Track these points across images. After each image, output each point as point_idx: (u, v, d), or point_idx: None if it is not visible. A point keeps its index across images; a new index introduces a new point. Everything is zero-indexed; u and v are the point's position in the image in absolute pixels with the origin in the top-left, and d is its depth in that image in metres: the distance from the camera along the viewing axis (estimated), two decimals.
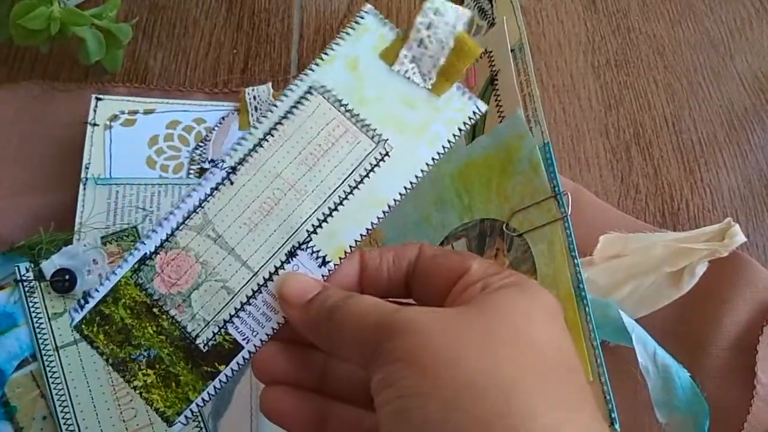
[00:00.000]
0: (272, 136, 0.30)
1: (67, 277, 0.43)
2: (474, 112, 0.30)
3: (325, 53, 0.30)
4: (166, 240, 0.30)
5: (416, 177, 0.30)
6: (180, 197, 0.47)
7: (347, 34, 0.31)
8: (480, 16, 0.43)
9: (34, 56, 0.50)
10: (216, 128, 0.51)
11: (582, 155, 0.55)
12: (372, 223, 0.30)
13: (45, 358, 0.41)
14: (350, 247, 0.30)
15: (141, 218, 0.46)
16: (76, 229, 0.45)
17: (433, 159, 0.30)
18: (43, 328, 0.42)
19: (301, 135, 0.30)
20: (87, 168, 0.48)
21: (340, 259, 0.29)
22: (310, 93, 0.31)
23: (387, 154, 0.30)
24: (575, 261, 0.33)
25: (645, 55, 0.60)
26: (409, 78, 0.31)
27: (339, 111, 0.31)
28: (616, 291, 0.44)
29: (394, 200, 0.30)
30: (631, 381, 0.41)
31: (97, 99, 0.50)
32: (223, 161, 0.30)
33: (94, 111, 0.50)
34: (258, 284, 0.29)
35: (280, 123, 0.30)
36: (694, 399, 0.39)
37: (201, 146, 0.50)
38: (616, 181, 0.54)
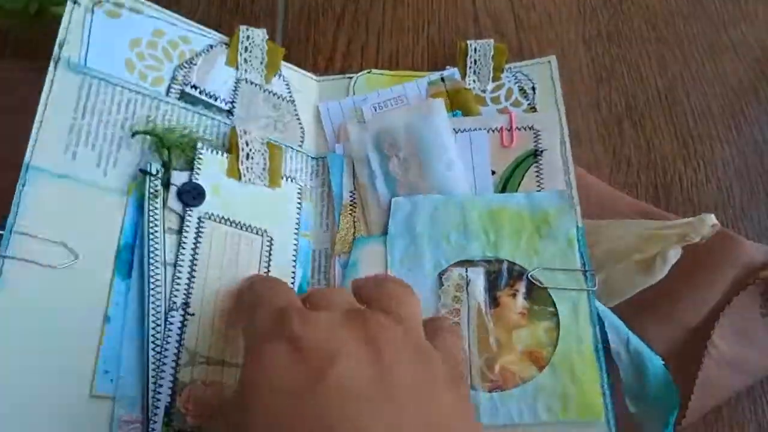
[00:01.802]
0: (195, 269, 0.40)
1: (197, 193, 0.42)
2: (300, 188, 0.47)
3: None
4: (173, 386, 0.37)
5: (294, 249, 0.45)
6: (156, 112, 0.44)
7: (199, 168, 0.43)
8: (520, 94, 0.50)
9: (15, 37, 0.48)
10: (202, 54, 0.48)
11: (573, 129, 0.53)
12: None
13: (152, 271, 0.40)
14: None
15: (113, 122, 0.43)
16: (37, 119, 0.40)
17: (296, 230, 0.46)
18: (156, 240, 0.40)
19: (215, 256, 0.41)
20: (61, 47, 0.43)
21: None
22: (202, 222, 0.41)
23: (272, 240, 0.44)
24: (596, 329, 0.42)
25: (637, 27, 0.60)
26: (254, 183, 0.45)
27: (228, 225, 0.42)
28: None
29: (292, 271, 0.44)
30: None
31: None
32: (174, 301, 0.39)
33: None
34: None
35: (195, 256, 0.40)
36: (666, 388, 0.40)
37: (186, 67, 0.47)
38: (607, 154, 0.53)
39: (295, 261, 0.45)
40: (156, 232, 0.40)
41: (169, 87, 0.46)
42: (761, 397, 0.45)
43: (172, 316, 0.38)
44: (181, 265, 0.39)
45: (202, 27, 0.49)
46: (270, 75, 0.49)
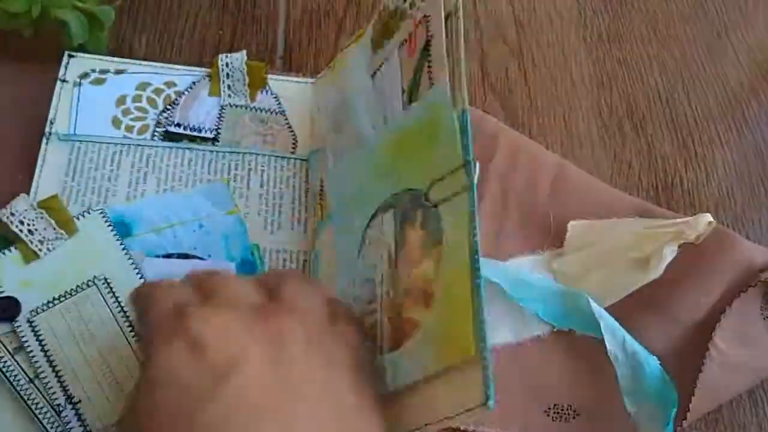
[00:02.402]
0: (56, 364, 0.40)
1: (11, 305, 0.41)
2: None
3: None
4: None
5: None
6: (140, 157, 0.47)
7: None
8: None
9: (17, 40, 0.50)
10: (186, 92, 0.51)
11: (574, 132, 0.54)
12: None
13: (22, 392, 0.40)
14: None
15: (100, 177, 0.46)
16: (33, 189, 0.45)
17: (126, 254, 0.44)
18: (9, 366, 0.40)
19: (64, 339, 0.41)
20: (52, 123, 0.47)
21: None
22: (33, 322, 0.41)
23: (106, 279, 0.42)
24: (474, 231, 0.31)
25: (638, 30, 0.60)
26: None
27: (57, 304, 0.41)
28: (585, 280, 0.44)
29: None
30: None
31: (70, 56, 0.50)
32: None
33: (65, 67, 0.50)
34: None
35: (48, 354, 0.40)
36: (663, 387, 0.39)
37: (169, 109, 0.50)
38: (608, 158, 0.53)
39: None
40: (6, 363, 0.40)
41: (154, 131, 0.49)
42: (762, 399, 0.45)
43: (66, 416, 0.39)
44: (42, 371, 0.39)
45: (184, 67, 0.51)
46: (254, 93, 0.51)
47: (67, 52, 0.50)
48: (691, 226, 0.42)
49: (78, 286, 0.41)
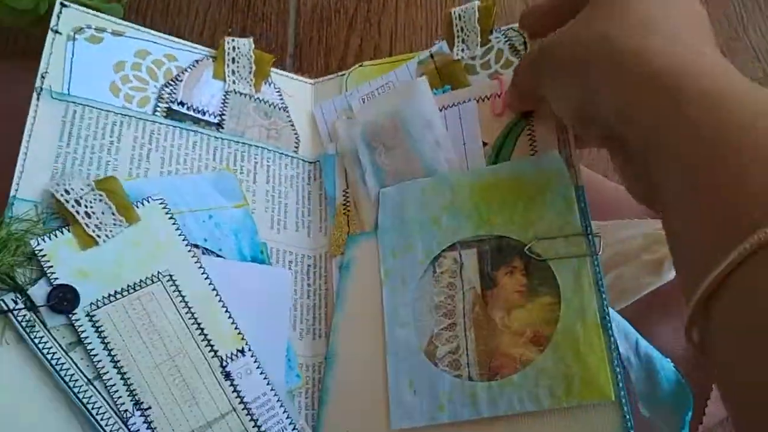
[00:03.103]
0: (121, 364, 0.38)
1: (68, 295, 0.37)
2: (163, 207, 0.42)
3: None
4: None
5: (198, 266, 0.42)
6: (143, 133, 0.45)
7: (51, 266, 0.38)
8: (511, 53, 0.47)
9: (26, 37, 0.46)
10: (188, 70, 0.49)
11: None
12: None
13: (80, 394, 0.36)
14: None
15: (98, 147, 0.43)
16: (22, 150, 0.40)
17: (187, 245, 0.42)
18: (63, 364, 0.36)
19: (129, 337, 0.39)
20: (43, 77, 0.43)
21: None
22: (93, 316, 0.38)
23: (171, 276, 0.41)
24: (603, 296, 0.38)
25: None
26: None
27: (119, 298, 0.39)
28: None
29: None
30: None
31: (62, 5, 0.45)
32: None
33: (58, 17, 0.45)
34: None
35: (112, 353, 0.38)
36: (679, 390, 0.39)
37: (171, 85, 0.48)
38: None
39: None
40: (59, 360, 0.36)
41: (156, 106, 0.46)
42: None
43: (133, 424, 0.36)
44: (105, 372, 0.37)
45: (186, 43, 0.49)
46: (259, 83, 0.51)
47: (59, 1, 0.45)
48: None
49: (141, 280, 0.40)
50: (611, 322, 0.37)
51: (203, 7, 0.57)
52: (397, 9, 0.59)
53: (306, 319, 0.45)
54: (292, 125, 0.50)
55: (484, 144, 0.44)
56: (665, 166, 0.30)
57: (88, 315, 0.37)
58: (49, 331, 0.37)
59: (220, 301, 0.41)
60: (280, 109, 0.50)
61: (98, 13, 0.46)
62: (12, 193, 0.39)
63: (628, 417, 0.35)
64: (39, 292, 0.37)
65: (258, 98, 0.50)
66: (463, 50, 0.48)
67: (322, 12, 0.59)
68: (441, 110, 0.46)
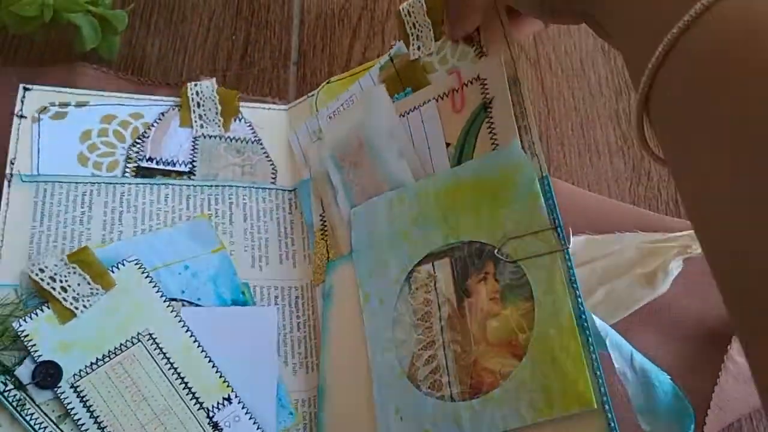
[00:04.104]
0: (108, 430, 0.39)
1: (51, 371, 0.39)
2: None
3: None
4: None
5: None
6: (113, 197, 0.46)
7: (34, 344, 0.39)
8: (465, 43, 0.44)
9: (30, 44, 0.48)
10: (155, 124, 0.49)
11: (592, 141, 0.54)
12: None
13: None
14: None
15: (71, 220, 0.44)
16: None
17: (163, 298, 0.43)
18: None
19: (115, 403, 0.39)
20: (12, 164, 0.45)
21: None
22: (78, 387, 0.39)
23: (151, 335, 0.41)
24: (577, 292, 0.35)
25: None
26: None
27: (101, 365, 0.40)
28: (589, 296, 0.44)
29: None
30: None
31: (25, 89, 0.47)
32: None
33: (22, 102, 0.47)
34: None
35: (99, 420, 0.39)
36: (677, 403, 0.38)
37: (139, 143, 0.48)
38: (627, 167, 0.53)
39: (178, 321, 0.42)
40: None
41: (125, 167, 0.47)
42: None
43: None
44: None
45: (150, 97, 0.50)
46: (228, 122, 0.51)
47: (22, 86, 0.47)
48: (696, 243, 0.42)
49: (122, 344, 0.41)
50: (588, 321, 0.35)
51: (207, 14, 0.58)
52: None
53: (298, 353, 0.44)
54: (267, 156, 0.50)
55: (448, 145, 0.43)
56: None
57: (72, 386, 0.39)
58: (38, 407, 0.39)
59: (202, 351, 0.41)
60: (252, 142, 0.50)
61: (61, 89, 0.48)
62: None
63: (613, 424, 0.33)
64: (25, 371, 0.39)
65: (228, 137, 0.50)
66: (419, 48, 0.46)
67: (325, 20, 0.58)
68: (402, 116, 0.45)
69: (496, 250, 0.38)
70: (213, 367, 0.41)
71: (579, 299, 0.35)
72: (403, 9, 0.46)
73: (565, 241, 0.36)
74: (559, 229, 0.36)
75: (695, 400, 0.39)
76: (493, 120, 0.40)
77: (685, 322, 0.44)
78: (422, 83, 0.45)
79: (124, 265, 0.42)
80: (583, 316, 0.34)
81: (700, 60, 0.25)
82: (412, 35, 0.46)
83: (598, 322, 0.39)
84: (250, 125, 0.51)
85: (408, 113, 0.45)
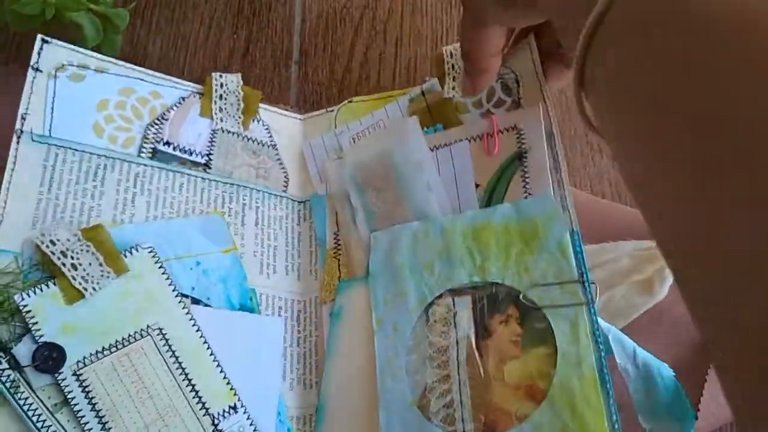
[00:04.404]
0: (109, 425, 0.36)
1: (53, 354, 0.36)
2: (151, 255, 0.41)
3: None
4: None
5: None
6: (128, 176, 0.44)
7: (36, 322, 0.37)
8: (503, 91, 0.46)
9: (31, 43, 0.44)
10: (174, 108, 0.48)
11: (595, 141, 0.54)
12: None
13: None
14: None
15: (81, 192, 0.41)
16: (2, 191, 0.39)
17: (177, 295, 0.41)
18: (49, 426, 0.35)
19: (118, 397, 0.37)
20: (23, 119, 0.42)
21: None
22: (80, 375, 0.37)
23: (161, 330, 0.39)
24: (600, 347, 0.37)
25: None
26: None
27: (107, 354, 0.37)
28: None
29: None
30: None
31: (43, 41, 0.44)
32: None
33: (38, 54, 0.44)
34: None
35: (100, 414, 0.37)
36: (678, 401, 0.39)
37: (157, 124, 0.47)
38: None
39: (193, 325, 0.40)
40: (45, 422, 0.35)
41: (141, 146, 0.45)
42: None
43: None
44: None
45: (172, 79, 0.49)
46: (247, 121, 0.50)
47: (40, 36, 0.44)
48: None
49: (130, 335, 0.39)
50: (609, 375, 0.37)
51: (209, 13, 0.57)
52: (403, 17, 0.59)
53: (296, 369, 0.44)
54: (281, 163, 0.50)
55: (477, 186, 0.44)
56: None
57: (75, 374, 0.36)
58: (34, 391, 0.36)
59: (211, 354, 0.40)
60: (268, 146, 0.49)
61: (80, 49, 0.46)
62: None
63: None
64: (23, 350, 0.36)
65: (246, 136, 0.49)
66: (454, 88, 0.47)
67: (327, 19, 0.59)
68: (432, 150, 0.46)
69: (521, 295, 0.39)
70: (221, 372, 0.39)
71: (602, 354, 0.37)
72: (446, 50, 0.48)
73: (592, 295, 0.38)
74: (586, 283, 0.38)
75: (695, 400, 0.41)
76: (527, 170, 0.43)
77: (684, 326, 0.44)
78: (453, 121, 0.46)
79: (137, 251, 0.40)
80: (605, 370, 0.37)
81: (624, 34, 0.27)
82: (449, 75, 0.47)
83: (601, 321, 0.40)
84: (267, 128, 0.50)
85: (438, 148, 0.46)
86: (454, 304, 0.41)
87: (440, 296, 0.42)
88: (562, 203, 0.41)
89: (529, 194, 0.42)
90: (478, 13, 0.40)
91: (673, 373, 0.39)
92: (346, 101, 0.51)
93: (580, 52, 0.28)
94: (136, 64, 0.48)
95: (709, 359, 0.42)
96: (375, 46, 0.58)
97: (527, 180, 0.43)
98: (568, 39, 0.31)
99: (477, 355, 0.40)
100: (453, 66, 0.47)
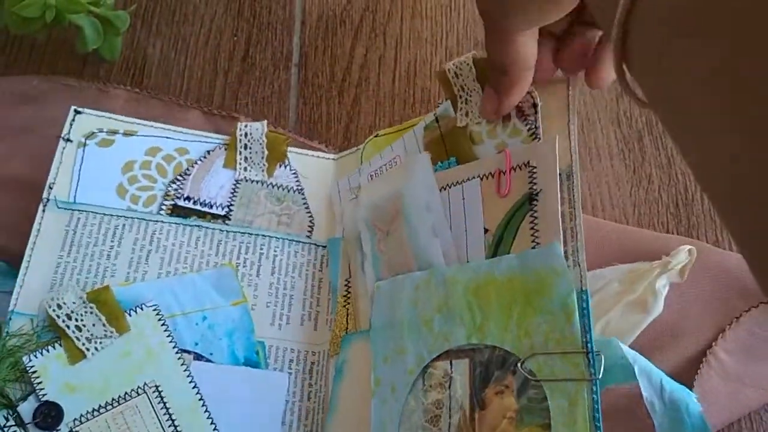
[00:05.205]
0: None
1: (52, 413, 0.38)
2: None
3: None
4: None
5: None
6: (144, 234, 0.45)
7: (40, 382, 0.39)
8: (519, 119, 0.41)
9: (31, 45, 0.50)
10: (199, 162, 0.49)
11: (593, 145, 0.53)
12: None
13: None
14: None
15: (98, 254, 0.43)
16: (24, 263, 0.42)
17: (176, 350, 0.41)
18: None
19: None
20: (50, 188, 0.45)
21: None
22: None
23: (158, 387, 0.40)
24: None
25: None
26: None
27: (103, 412, 0.39)
28: None
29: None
30: None
31: (76, 112, 0.47)
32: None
33: (71, 125, 0.47)
34: None
35: None
36: None
37: (179, 180, 0.48)
38: (628, 171, 0.53)
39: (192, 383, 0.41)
40: None
41: (161, 204, 0.47)
42: None
43: None
44: None
45: (198, 133, 0.50)
46: (272, 168, 0.50)
47: (73, 108, 0.47)
48: (674, 259, 0.42)
49: (126, 393, 0.40)
50: None
51: (209, 15, 0.58)
52: (403, 19, 0.59)
53: (304, 425, 0.43)
54: (307, 208, 0.49)
55: (486, 230, 0.40)
56: None
57: (70, 431, 0.38)
58: None
59: (206, 412, 0.41)
60: (294, 191, 0.49)
61: (112, 115, 0.48)
62: (11, 307, 0.41)
63: None
64: (27, 408, 0.39)
65: (270, 183, 0.49)
66: (467, 114, 0.43)
67: (327, 21, 0.59)
68: (444, 189, 0.42)
69: (519, 364, 0.35)
70: (215, 430, 0.40)
71: None
72: (449, 70, 0.43)
73: (596, 370, 0.33)
74: (590, 354, 0.33)
75: None
76: (537, 214, 0.37)
77: (686, 343, 0.43)
78: (468, 154, 0.42)
79: (142, 309, 0.42)
80: None
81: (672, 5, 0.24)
82: (461, 98, 0.43)
83: (626, 349, 0.36)
84: (294, 173, 0.49)
85: (449, 187, 0.42)
86: (451, 368, 0.38)
87: (437, 358, 0.38)
88: (572, 256, 0.35)
89: (537, 243, 0.37)
90: (502, 22, 0.36)
91: (701, 409, 0.35)
92: (372, 136, 0.49)
93: (619, 22, 0.26)
94: (136, 67, 0.50)
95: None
96: (375, 49, 0.57)
97: (536, 227, 0.37)
98: (606, 12, 0.28)
99: (470, 429, 0.36)
100: (462, 88, 0.43)
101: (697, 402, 0.36)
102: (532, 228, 0.37)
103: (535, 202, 0.37)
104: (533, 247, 0.37)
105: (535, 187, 0.38)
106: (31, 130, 0.48)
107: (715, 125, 0.22)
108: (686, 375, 0.42)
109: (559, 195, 0.36)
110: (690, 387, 0.40)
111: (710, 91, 0.22)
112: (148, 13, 0.58)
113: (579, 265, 0.35)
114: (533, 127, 0.40)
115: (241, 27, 0.58)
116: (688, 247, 0.43)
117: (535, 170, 0.38)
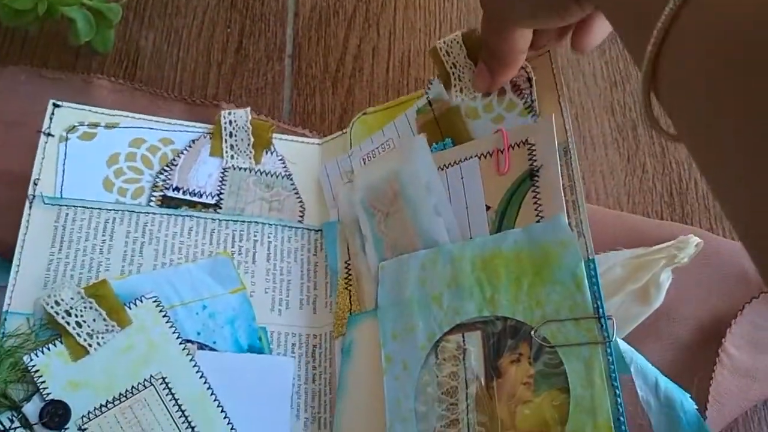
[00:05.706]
0: None
1: (59, 411, 0.38)
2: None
3: None
4: None
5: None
6: (136, 226, 0.44)
7: (43, 381, 0.38)
8: (513, 92, 0.42)
9: (24, 37, 0.49)
10: (185, 152, 0.48)
11: (587, 133, 0.54)
12: None
13: None
14: None
15: (90, 249, 0.43)
16: (15, 263, 0.41)
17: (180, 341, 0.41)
18: None
19: None
20: (35, 184, 0.44)
21: None
22: (85, 428, 0.38)
23: (164, 378, 0.39)
24: (617, 391, 0.34)
25: None
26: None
27: (110, 407, 0.38)
28: None
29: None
30: None
31: (55, 105, 0.46)
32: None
33: (50, 119, 0.46)
34: None
35: None
36: None
37: (166, 171, 0.47)
38: (622, 159, 0.53)
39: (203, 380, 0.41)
40: None
41: (150, 196, 0.46)
42: None
43: None
44: None
45: (182, 122, 0.49)
46: (259, 154, 0.50)
47: (51, 102, 0.46)
48: (682, 249, 0.42)
49: (133, 387, 0.40)
50: (625, 423, 0.34)
51: (202, 7, 0.58)
52: (396, 10, 0.59)
53: (311, 407, 0.43)
54: (297, 193, 0.49)
55: (488, 208, 0.41)
56: None
57: (80, 429, 0.38)
58: None
59: (215, 400, 0.40)
60: (283, 177, 0.49)
61: (92, 108, 0.47)
62: (5, 307, 0.40)
63: None
64: (32, 408, 0.38)
65: (258, 170, 0.49)
66: (461, 90, 0.44)
67: (320, 12, 0.59)
68: (442, 169, 0.44)
69: (533, 331, 0.37)
70: (225, 418, 0.40)
71: (618, 398, 0.34)
72: (440, 48, 0.44)
73: (609, 333, 0.35)
74: (602, 319, 0.35)
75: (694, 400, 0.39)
76: (539, 190, 0.39)
77: (682, 327, 0.43)
78: (463, 133, 0.43)
79: (142, 301, 0.41)
80: (621, 418, 0.34)
81: (708, 35, 0.24)
82: (453, 75, 0.44)
83: (623, 345, 0.38)
84: (281, 159, 0.49)
85: (447, 167, 0.43)
86: (464, 341, 0.39)
87: (449, 331, 0.39)
88: (576, 228, 0.37)
89: (541, 217, 0.39)
90: (501, 15, 0.38)
91: (695, 407, 0.36)
92: (360, 113, 0.50)
93: (651, 53, 0.26)
94: (129, 59, 0.49)
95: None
96: (368, 40, 0.57)
97: (539, 201, 0.39)
98: (631, 37, 0.29)
99: (487, 397, 0.37)
100: (454, 65, 0.44)
101: (691, 400, 0.37)
102: (535, 202, 0.39)
103: (536, 178, 0.39)
104: (537, 221, 0.39)
105: (535, 164, 0.40)
106: (22, 123, 0.46)
107: (747, 165, 0.23)
108: (682, 361, 0.43)
109: (559, 170, 0.38)
110: (686, 374, 0.41)
111: (749, 132, 0.22)
112: (140, 5, 0.57)
113: (584, 236, 0.37)
114: (529, 100, 0.42)
115: (234, 18, 0.57)
116: (697, 240, 0.42)
117: (534, 147, 0.40)
